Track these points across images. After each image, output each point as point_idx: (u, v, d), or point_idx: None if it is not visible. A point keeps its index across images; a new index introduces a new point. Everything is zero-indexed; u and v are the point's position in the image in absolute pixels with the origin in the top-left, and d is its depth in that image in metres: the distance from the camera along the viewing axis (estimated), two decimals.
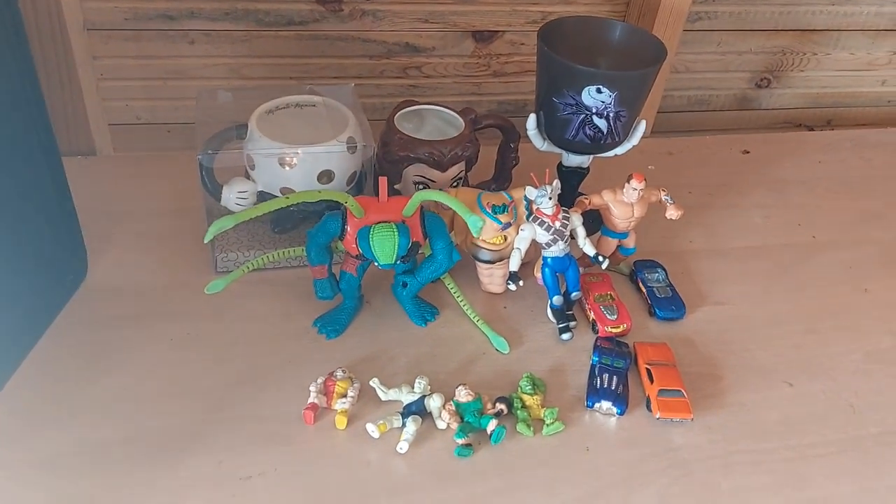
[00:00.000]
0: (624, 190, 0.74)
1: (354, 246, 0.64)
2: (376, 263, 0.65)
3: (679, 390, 0.66)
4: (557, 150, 0.81)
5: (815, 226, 0.92)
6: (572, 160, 0.82)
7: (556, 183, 0.71)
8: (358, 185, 0.77)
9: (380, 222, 0.64)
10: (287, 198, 0.61)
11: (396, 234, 0.62)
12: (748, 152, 1.05)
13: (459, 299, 0.75)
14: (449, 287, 0.76)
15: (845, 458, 0.65)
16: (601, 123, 0.75)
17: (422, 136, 0.78)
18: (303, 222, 0.78)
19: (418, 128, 0.83)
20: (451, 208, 0.65)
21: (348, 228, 0.65)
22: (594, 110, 0.74)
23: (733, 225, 0.91)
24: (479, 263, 0.76)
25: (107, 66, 0.91)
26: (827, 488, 0.62)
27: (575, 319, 0.74)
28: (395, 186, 0.79)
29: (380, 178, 0.65)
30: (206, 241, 0.57)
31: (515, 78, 1.04)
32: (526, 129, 0.79)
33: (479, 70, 1.03)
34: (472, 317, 0.74)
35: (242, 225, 0.77)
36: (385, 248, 0.63)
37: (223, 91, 0.78)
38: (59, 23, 0.82)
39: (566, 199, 0.82)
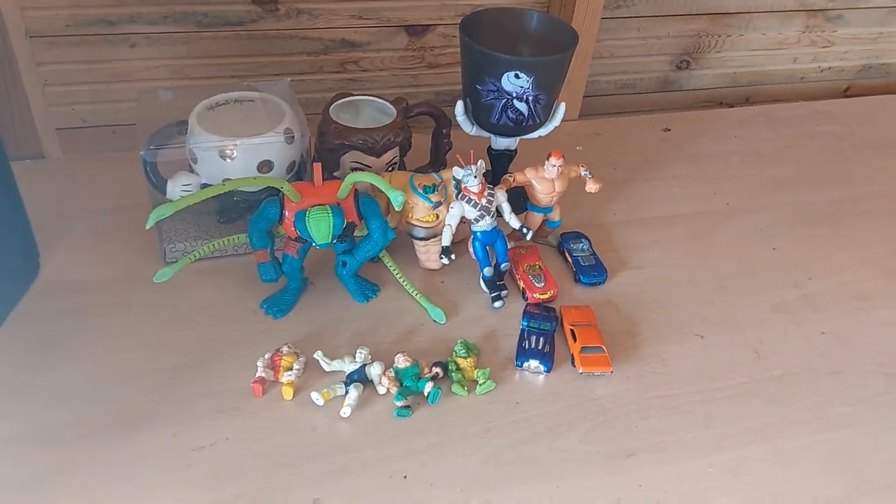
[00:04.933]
0: (545, 167, 0.80)
1: (293, 229, 0.69)
2: (314, 244, 0.69)
3: (600, 346, 0.73)
4: (486, 134, 0.87)
5: (729, 194, 0.99)
6: (500, 143, 0.88)
7: (481, 163, 0.77)
8: (297, 173, 0.81)
9: (315, 205, 0.68)
10: (223, 184, 0.65)
11: (331, 214, 0.67)
12: (669, 130, 1.12)
13: (399, 276, 0.80)
14: (388, 265, 0.81)
15: (750, 399, 0.72)
16: (522, 107, 0.81)
17: (357, 125, 0.82)
18: (247, 212, 0.82)
19: (355, 118, 0.88)
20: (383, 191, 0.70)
21: (286, 213, 0.69)
22: (514, 95, 0.79)
23: (653, 197, 0.98)
24: (415, 241, 0.81)
25: (51, 72, 0.94)
26: (733, 425, 0.69)
27: (506, 289, 0.80)
28: (335, 174, 0.84)
29: (314, 164, 0.70)
30: (147, 227, 0.61)
31: (450, 69, 1.10)
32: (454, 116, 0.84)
33: (414, 62, 1.08)
34: (410, 291, 0.79)
35: (189, 216, 0.81)
36: (321, 228, 0.67)
37: (164, 91, 0.82)
38: (2, 31, 0.85)
39: (497, 180, 0.87)
